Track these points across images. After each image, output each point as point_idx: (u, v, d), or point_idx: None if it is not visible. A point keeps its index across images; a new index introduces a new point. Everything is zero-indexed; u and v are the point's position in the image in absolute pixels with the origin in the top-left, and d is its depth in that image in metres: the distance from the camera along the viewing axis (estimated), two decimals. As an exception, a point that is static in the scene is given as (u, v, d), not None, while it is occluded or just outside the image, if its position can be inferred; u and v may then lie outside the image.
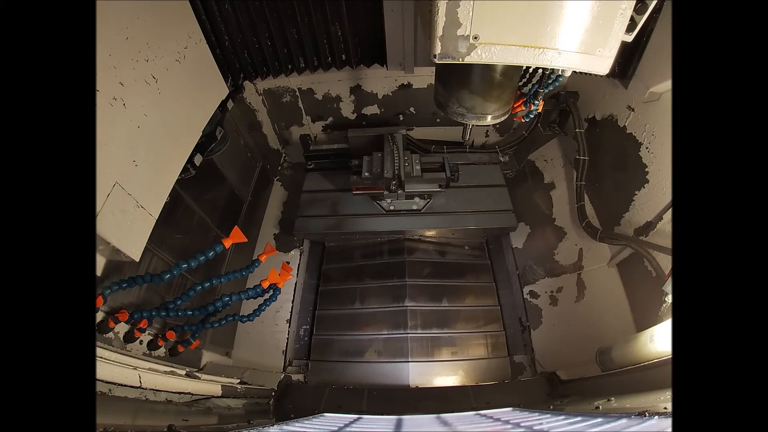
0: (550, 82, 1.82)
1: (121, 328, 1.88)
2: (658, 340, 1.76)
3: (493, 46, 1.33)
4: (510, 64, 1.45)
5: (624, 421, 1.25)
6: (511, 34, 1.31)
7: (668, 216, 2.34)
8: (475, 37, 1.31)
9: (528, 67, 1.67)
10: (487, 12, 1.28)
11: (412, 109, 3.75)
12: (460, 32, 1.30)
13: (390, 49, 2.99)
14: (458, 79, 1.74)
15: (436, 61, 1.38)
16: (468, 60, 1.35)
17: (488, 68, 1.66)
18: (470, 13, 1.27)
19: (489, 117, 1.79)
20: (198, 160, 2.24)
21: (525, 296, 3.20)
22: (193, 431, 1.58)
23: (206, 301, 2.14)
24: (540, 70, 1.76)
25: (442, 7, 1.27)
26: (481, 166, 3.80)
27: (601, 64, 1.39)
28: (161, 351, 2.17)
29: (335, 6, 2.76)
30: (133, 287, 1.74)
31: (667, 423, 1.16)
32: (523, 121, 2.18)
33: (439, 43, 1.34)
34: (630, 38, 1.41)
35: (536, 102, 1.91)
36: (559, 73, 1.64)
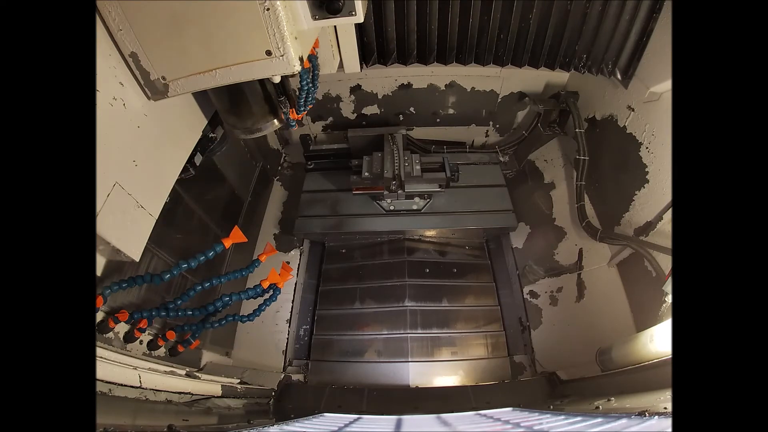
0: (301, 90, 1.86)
1: (121, 328, 1.88)
2: (658, 340, 1.76)
3: (179, 80, 1.53)
4: (201, 89, 1.60)
5: (624, 421, 1.25)
6: (186, 67, 1.49)
7: (668, 216, 2.34)
8: (164, 78, 1.53)
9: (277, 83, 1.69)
10: (160, 56, 1.47)
11: (412, 109, 3.75)
12: (152, 77, 1.53)
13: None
14: (218, 106, 1.97)
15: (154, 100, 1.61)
16: (171, 95, 1.58)
17: (221, 93, 1.85)
18: (148, 60, 1.48)
19: (254, 129, 1.97)
20: (198, 160, 2.24)
21: (525, 296, 3.20)
22: (193, 431, 1.58)
23: (206, 301, 2.14)
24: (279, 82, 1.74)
25: (135, 68, 1.49)
26: (481, 166, 3.79)
27: (287, 64, 1.45)
28: (161, 351, 2.17)
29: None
30: (133, 287, 1.74)
31: (667, 423, 1.16)
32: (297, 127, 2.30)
33: (147, 89, 1.56)
34: (329, 22, 1.53)
35: (298, 110, 1.95)
36: (306, 81, 1.80)
